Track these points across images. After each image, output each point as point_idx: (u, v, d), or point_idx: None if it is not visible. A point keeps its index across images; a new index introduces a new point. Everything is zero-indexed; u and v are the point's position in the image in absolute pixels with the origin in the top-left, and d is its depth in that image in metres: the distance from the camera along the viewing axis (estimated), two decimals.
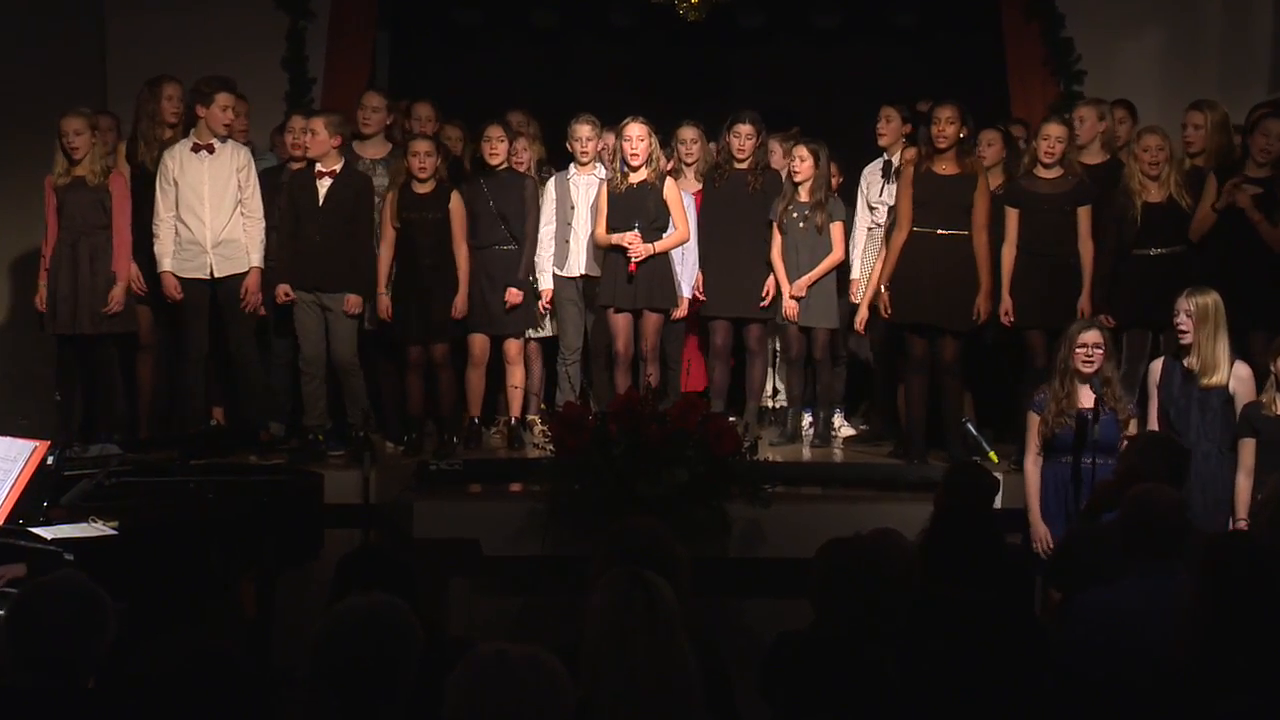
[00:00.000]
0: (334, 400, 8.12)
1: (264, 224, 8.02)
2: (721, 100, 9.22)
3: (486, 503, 7.46)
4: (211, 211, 7.91)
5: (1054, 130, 7.81)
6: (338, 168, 8.01)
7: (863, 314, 8.28)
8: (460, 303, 8.08)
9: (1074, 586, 4.59)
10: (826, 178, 8.24)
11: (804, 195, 8.23)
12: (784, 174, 8.44)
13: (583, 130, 8.42)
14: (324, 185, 7.98)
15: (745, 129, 8.27)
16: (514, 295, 8.19)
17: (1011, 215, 7.85)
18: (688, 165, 8.60)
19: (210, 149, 7.93)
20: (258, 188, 8.02)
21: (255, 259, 7.98)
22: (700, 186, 8.50)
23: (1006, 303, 7.81)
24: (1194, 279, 6.87)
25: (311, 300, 8.00)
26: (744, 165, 8.31)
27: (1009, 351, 8.06)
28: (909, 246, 7.78)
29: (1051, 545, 6.36)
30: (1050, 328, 7.53)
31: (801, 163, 8.19)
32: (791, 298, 8.20)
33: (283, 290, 8.01)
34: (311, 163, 8.03)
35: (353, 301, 7.98)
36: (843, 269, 8.39)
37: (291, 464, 7.31)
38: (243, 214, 7.97)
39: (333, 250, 7.97)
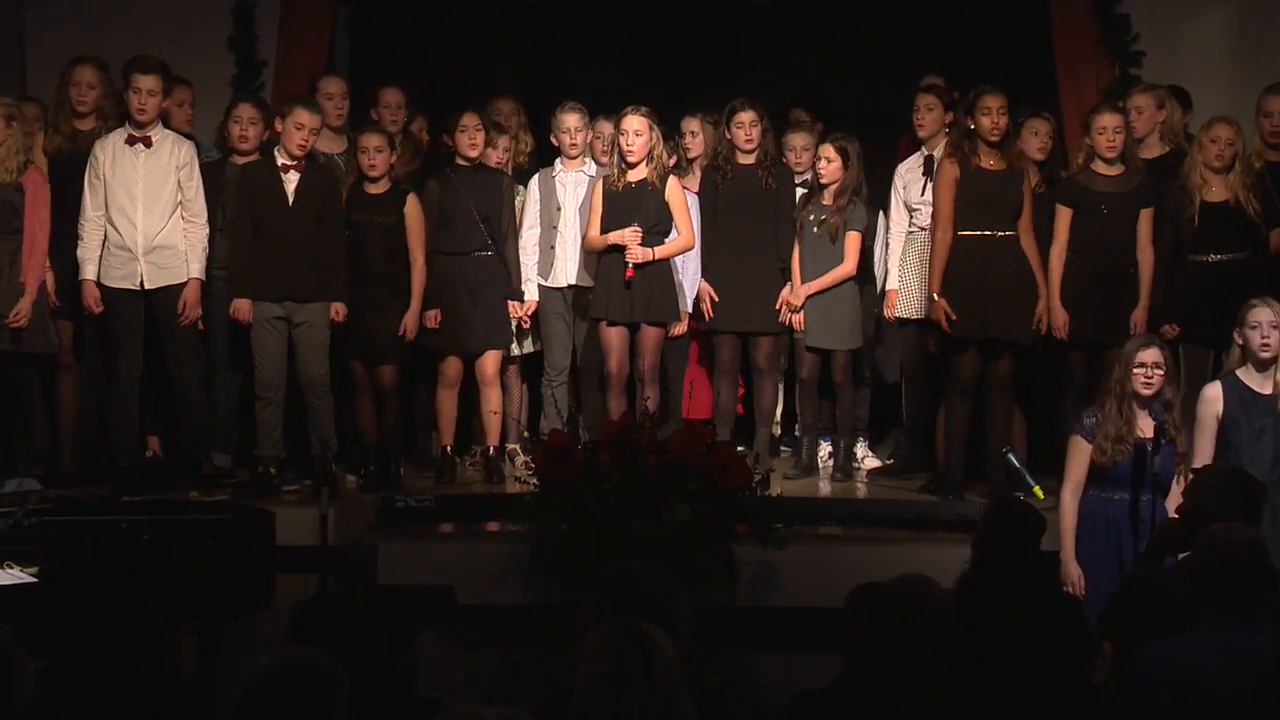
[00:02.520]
0: (288, 428, 8.09)
1: (207, 230, 7.94)
2: (728, 85, 9.22)
3: (460, 544, 7.44)
4: (144, 213, 7.82)
5: (1110, 121, 7.81)
6: (302, 160, 7.93)
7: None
8: (410, 322, 8.03)
9: (1133, 639, 4.58)
10: (856, 180, 8.22)
11: (828, 199, 8.23)
12: (796, 172, 8.45)
13: (569, 120, 8.41)
14: (291, 182, 7.90)
15: (747, 116, 8.27)
16: (515, 309, 8.27)
17: (1064, 215, 7.84)
18: (691, 161, 8.60)
19: (147, 142, 7.84)
20: (201, 188, 7.93)
21: (195, 269, 7.89)
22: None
23: (1061, 315, 7.79)
24: (1261, 289, 6.88)
25: (276, 314, 7.90)
26: (751, 159, 8.31)
27: (1050, 369, 8.05)
28: (961, 252, 7.76)
29: (1084, 588, 6.40)
30: (1103, 344, 7.53)
31: (828, 164, 8.18)
32: (789, 306, 8.21)
33: (244, 308, 7.88)
34: (271, 156, 7.93)
35: (338, 310, 7.91)
36: (863, 279, 8.38)
37: (238, 501, 7.31)
38: (184, 218, 7.87)
39: (305, 255, 7.89)
